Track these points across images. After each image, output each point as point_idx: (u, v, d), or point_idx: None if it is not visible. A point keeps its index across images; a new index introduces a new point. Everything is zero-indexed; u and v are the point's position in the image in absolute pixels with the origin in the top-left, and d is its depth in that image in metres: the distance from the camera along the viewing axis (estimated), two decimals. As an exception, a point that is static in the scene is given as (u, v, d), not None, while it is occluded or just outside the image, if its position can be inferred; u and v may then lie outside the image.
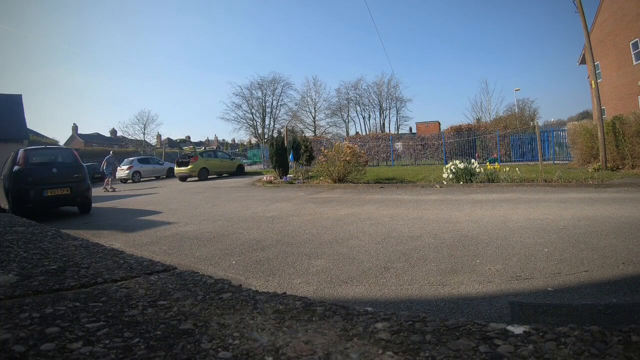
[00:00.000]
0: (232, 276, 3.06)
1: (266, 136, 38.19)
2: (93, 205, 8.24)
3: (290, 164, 14.39)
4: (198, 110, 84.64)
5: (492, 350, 0.61)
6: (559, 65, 61.98)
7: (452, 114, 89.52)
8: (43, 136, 30.95)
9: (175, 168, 17.78)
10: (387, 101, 45.98)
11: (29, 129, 21.81)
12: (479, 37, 64.79)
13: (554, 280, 2.61)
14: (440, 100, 68.96)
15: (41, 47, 70.18)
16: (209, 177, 17.39)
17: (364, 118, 46.96)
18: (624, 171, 10.08)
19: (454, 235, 4.08)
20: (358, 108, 46.68)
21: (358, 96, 46.05)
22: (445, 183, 9.49)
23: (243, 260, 3.53)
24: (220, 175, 18.93)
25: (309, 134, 38.95)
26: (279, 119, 41.94)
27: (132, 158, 22.05)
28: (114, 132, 50.97)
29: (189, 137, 55.67)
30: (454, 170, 9.52)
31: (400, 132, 41.95)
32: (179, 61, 79.91)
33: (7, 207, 7.15)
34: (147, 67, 78.22)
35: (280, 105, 42.26)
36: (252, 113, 41.70)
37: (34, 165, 7.35)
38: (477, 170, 9.44)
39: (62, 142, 39.23)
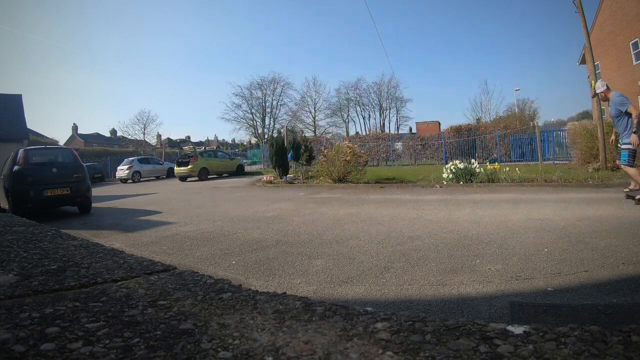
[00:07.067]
0: (232, 276, 3.06)
1: (266, 136, 38.22)
2: (93, 205, 8.24)
3: (289, 163, 14.39)
4: (198, 110, 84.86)
5: (492, 350, 0.61)
6: (559, 65, 62.12)
7: (452, 114, 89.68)
8: (43, 136, 30.90)
9: (175, 168, 17.79)
10: (387, 101, 46.13)
11: (29, 129, 21.80)
12: (479, 37, 64.95)
13: (554, 280, 2.61)
14: (440, 100, 69.10)
15: (41, 47, 70.27)
16: (209, 177, 17.39)
17: (364, 118, 47.08)
18: (624, 171, 10.07)
19: (454, 235, 4.08)
20: (358, 108, 46.83)
21: (358, 96, 46.19)
22: (445, 183, 9.49)
23: (243, 260, 3.53)
24: (220, 175, 18.93)
25: (309, 134, 39.04)
26: (279, 119, 42.03)
27: (132, 158, 22.05)
28: (114, 132, 50.96)
29: (189, 137, 55.77)
30: (454, 170, 9.51)
31: (400, 132, 42.01)
32: (179, 61, 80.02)
33: (7, 207, 7.15)
34: (147, 67, 78.36)
35: (280, 105, 42.34)
36: (252, 113, 41.76)
37: (34, 165, 7.35)
38: (477, 170, 9.43)
39: (62, 142, 39.22)
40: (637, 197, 5.21)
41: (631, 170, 5.44)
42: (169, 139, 45.33)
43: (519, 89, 32.80)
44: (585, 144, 11.71)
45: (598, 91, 5.76)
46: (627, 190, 5.83)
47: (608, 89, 5.68)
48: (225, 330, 0.75)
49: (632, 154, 5.34)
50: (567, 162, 13.96)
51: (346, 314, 0.81)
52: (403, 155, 21.92)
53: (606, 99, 5.73)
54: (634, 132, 5.21)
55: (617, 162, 6.00)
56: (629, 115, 5.27)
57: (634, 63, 18.18)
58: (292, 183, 12.28)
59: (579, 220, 4.47)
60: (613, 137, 6.04)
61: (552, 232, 3.94)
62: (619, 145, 5.68)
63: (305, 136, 25.72)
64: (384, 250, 3.62)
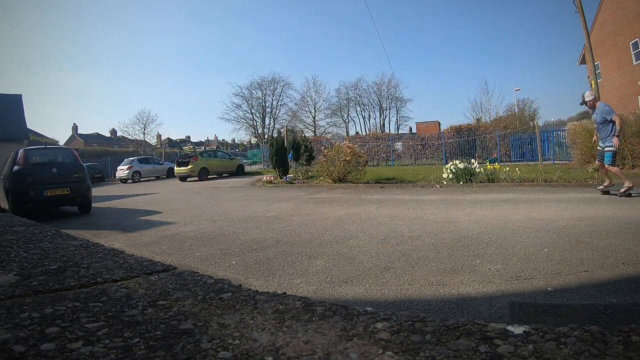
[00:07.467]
0: (232, 276, 3.06)
1: (266, 136, 38.21)
2: (93, 205, 8.24)
3: (289, 163, 14.39)
4: (198, 111, 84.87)
5: (492, 350, 0.61)
6: (559, 65, 62.15)
7: (452, 114, 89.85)
8: (43, 136, 30.87)
9: (175, 168, 17.80)
10: (387, 101, 46.11)
11: (29, 129, 21.79)
12: (479, 37, 64.98)
13: (554, 280, 2.61)
14: (440, 100, 69.16)
15: (41, 47, 70.32)
16: (209, 177, 17.39)
17: (364, 118, 47.07)
18: (624, 171, 10.06)
19: (454, 235, 4.08)
20: (358, 108, 46.82)
21: (358, 96, 46.19)
22: (445, 183, 9.49)
23: (243, 260, 3.53)
24: (220, 175, 18.93)
25: (309, 134, 39.02)
26: (279, 119, 42.03)
27: (132, 158, 22.05)
28: (114, 132, 50.94)
29: (189, 137, 55.77)
30: (453, 170, 9.51)
31: (400, 132, 41.98)
32: (179, 62, 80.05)
33: (7, 207, 7.15)
34: (147, 67, 78.36)
35: (280, 105, 42.34)
36: (252, 113, 41.78)
37: (34, 165, 7.35)
38: (477, 170, 9.43)
39: (62, 142, 39.18)
40: (622, 190, 5.93)
41: (615, 169, 6.20)
42: (169, 139, 45.31)
43: (519, 89, 32.84)
44: (585, 144, 11.70)
45: (587, 99, 6.55)
46: (601, 187, 6.54)
47: (595, 98, 6.57)
48: (225, 330, 0.75)
49: (615, 154, 6.17)
50: (567, 162, 13.96)
51: (346, 314, 0.81)
52: (403, 155, 21.91)
53: (593, 107, 6.51)
54: (616, 136, 6.06)
55: (597, 162, 6.71)
56: (613, 122, 6.11)
57: (634, 63, 18.17)
58: (292, 183, 12.28)
59: (579, 220, 4.47)
60: (595, 138, 6.76)
61: (552, 232, 3.94)
62: (599, 147, 6.44)
63: (305, 136, 25.71)
64: (384, 250, 3.62)
